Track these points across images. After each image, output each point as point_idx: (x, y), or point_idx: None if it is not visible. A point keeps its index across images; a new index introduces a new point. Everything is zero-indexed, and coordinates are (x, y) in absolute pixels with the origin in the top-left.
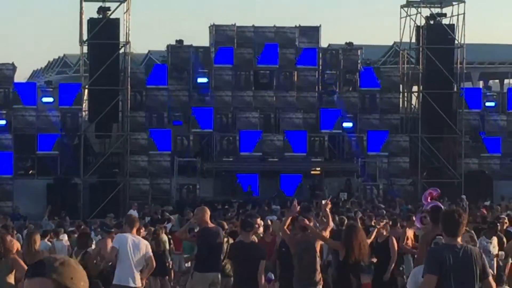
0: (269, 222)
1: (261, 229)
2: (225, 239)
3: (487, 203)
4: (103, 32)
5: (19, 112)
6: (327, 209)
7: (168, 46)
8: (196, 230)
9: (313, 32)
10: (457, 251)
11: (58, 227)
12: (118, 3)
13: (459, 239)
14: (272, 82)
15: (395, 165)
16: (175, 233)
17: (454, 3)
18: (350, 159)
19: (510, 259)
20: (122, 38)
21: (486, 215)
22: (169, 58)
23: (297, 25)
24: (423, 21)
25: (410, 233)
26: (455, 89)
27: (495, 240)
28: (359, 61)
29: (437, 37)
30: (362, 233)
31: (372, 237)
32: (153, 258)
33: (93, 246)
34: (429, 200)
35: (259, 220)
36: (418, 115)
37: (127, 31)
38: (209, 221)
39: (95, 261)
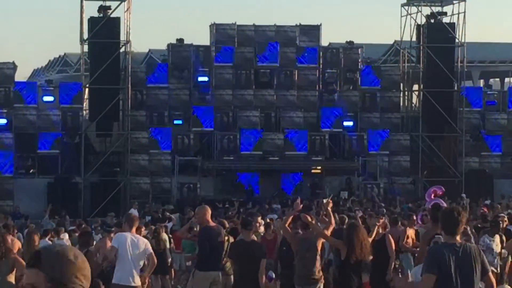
0: (268, 220)
1: (262, 228)
2: (226, 238)
3: (487, 201)
4: (103, 31)
5: (20, 111)
6: (329, 208)
7: (168, 45)
8: (195, 229)
9: (313, 30)
10: (457, 249)
11: (58, 226)
12: (118, 2)
13: (458, 237)
14: (273, 81)
15: (395, 164)
16: (176, 232)
17: (454, 1)
18: (350, 157)
19: (510, 258)
20: (122, 37)
21: (486, 214)
22: (169, 57)
23: (298, 24)
24: (424, 20)
25: (410, 232)
26: (456, 88)
27: (497, 238)
28: (359, 60)
29: (437, 36)
30: (363, 232)
31: (373, 235)
32: (154, 255)
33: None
34: (432, 197)
35: (259, 219)
36: (418, 114)
37: (128, 30)
38: (210, 220)
39: (95, 260)
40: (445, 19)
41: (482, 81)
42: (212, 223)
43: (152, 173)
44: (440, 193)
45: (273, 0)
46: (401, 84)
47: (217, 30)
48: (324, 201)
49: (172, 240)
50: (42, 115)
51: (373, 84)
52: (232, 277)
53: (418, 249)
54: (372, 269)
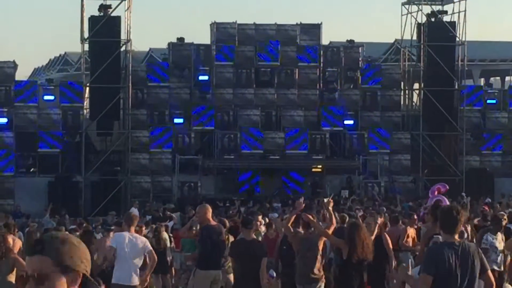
0: (268, 220)
1: (263, 228)
2: (226, 237)
3: (488, 200)
4: (104, 30)
5: (21, 110)
6: (330, 208)
7: (169, 44)
8: (194, 228)
9: (314, 29)
10: (456, 248)
11: (59, 225)
12: (119, 1)
13: (456, 236)
14: (273, 79)
15: (396, 163)
16: (178, 231)
17: (455, 0)
18: (351, 156)
19: (509, 257)
20: (123, 36)
21: (487, 213)
22: (170, 56)
23: (298, 23)
24: (424, 19)
25: (411, 231)
26: (456, 87)
27: (499, 236)
28: (360, 59)
29: (438, 35)
30: (365, 231)
31: (374, 234)
32: (154, 252)
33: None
34: (436, 194)
35: (260, 218)
36: (419, 113)
37: (128, 29)
38: (211, 219)
39: (95, 259)
40: (446, 18)
41: (482, 79)
42: (213, 222)
43: (152, 172)
44: (444, 190)
45: None
46: (402, 83)
47: (218, 29)
48: (325, 200)
49: (172, 239)
50: (43, 114)
51: (373, 82)
52: (231, 276)
53: (418, 247)
54: (370, 268)
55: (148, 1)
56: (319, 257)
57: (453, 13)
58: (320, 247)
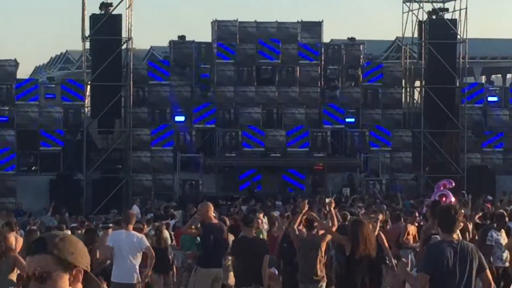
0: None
1: (265, 226)
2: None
3: (490, 197)
4: (105, 28)
5: (22, 108)
6: (332, 209)
7: (170, 42)
8: (194, 226)
9: (315, 27)
10: (455, 246)
11: (60, 223)
12: None
13: (455, 235)
14: (275, 77)
15: (397, 160)
16: (180, 229)
17: None
18: (352, 154)
19: (509, 256)
20: (124, 34)
21: (488, 211)
22: (171, 54)
23: (299, 21)
24: (425, 16)
25: (411, 228)
26: (458, 84)
27: (503, 232)
28: (361, 56)
29: (439, 32)
30: (367, 228)
31: (377, 231)
32: (151, 249)
33: None
34: (441, 188)
35: (261, 216)
36: (420, 110)
37: (129, 27)
38: (212, 217)
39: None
40: (447, 15)
41: (484, 77)
42: (214, 220)
43: (154, 170)
44: (450, 186)
45: None
46: (403, 81)
47: (219, 26)
48: (327, 200)
49: (173, 237)
50: (44, 112)
51: (374, 80)
52: (231, 274)
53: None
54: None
55: None
56: (321, 258)
57: (454, 10)
58: (323, 249)
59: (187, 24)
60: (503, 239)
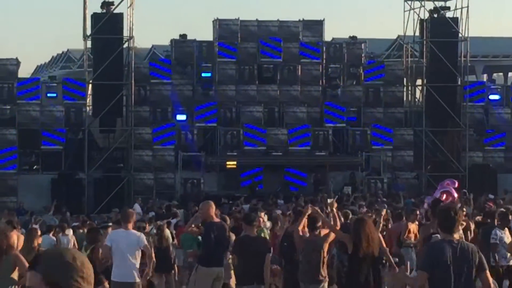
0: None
1: (268, 224)
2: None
3: (492, 196)
4: (106, 27)
5: (23, 107)
6: (334, 209)
7: (171, 41)
8: (195, 225)
9: (316, 26)
10: (454, 246)
11: (61, 222)
12: None
13: (455, 235)
14: (276, 76)
15: (399, 159)
16: (182, 228)
17: None
18: (354, 153)
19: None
20: (125, 33)
21: (489, 209)
22: (172, 53)
23: (301, 19)
24: (427, 15)
25: (412, 226)
26: (459, 83)
27: (507, 231)
28: (363, 55)
29: (440, 31)
30: (370, 226)
31: (381, 226)
32: (149, 247)
33: None
34: (445, 185)
35: (263, 214)
36: (422, 109)
37: (131, 26)
38: (214, 216)
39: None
40: (448, 14)
41: (485, 75)
42: (216, 219)
43: (155, 168)
44: (453, 187)
45: None
46: (405, 79)
47: (220, 25)
48: (329, 201)
49: (175, 236)
50: (46, 111)
51: (376, 79)
52: (232, 272)
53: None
54: None
55: None
56: (324, 259)
57: (455, 9)
58: (325, 249)
59: (189, 23)
60: (507, 237)
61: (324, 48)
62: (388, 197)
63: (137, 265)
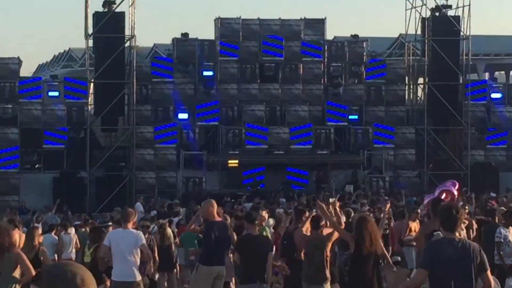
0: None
1: (271, 221)
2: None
3: (494, 194)
4: (108, 26)
5: (25, 106)
6: (337, 208)
7: (173, 40)
8: (194, 225)
9: (318, 24)
10: (456, 244)
11: (63, 221)
12: None
13: (457, 234)
14: (278, 75)
15: (401, 157)
16: (184, 227)
17: None
18: (356, 151)
19: None
20: (127, 32)
21: (491, 208)
22: (174, 52)
23: (302, 18)
24: (429, 13)
25: (414, 225)
26: (461, 81)
27: (511, 229)
28: (364, 53)
29: (442, 29)
30: (372, 224)
31: (385, 221)
32: (146, 247)
33: None
34: (447, 184)
35: (264, 213)
36: (423, 107)
37: (132, 25)
38: (215, 215)
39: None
40: (450, 12)
41: (487, 74)
42: (217, 218)
43: (157, 167)
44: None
45: None
46: (406, 78)
47: (222, 24)
48: (331, 200)
49: (176, 234)
50: (47, 110)
51: (378, 77)
52: (232, 270)
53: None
54: None
55: None
56: (327, 258)
57: (457, 7)
58: (328, 248)
59: (190, 22)
60: (511, 236)
61: (326, 46)
62: (390, 195)
63: (137, 264)
